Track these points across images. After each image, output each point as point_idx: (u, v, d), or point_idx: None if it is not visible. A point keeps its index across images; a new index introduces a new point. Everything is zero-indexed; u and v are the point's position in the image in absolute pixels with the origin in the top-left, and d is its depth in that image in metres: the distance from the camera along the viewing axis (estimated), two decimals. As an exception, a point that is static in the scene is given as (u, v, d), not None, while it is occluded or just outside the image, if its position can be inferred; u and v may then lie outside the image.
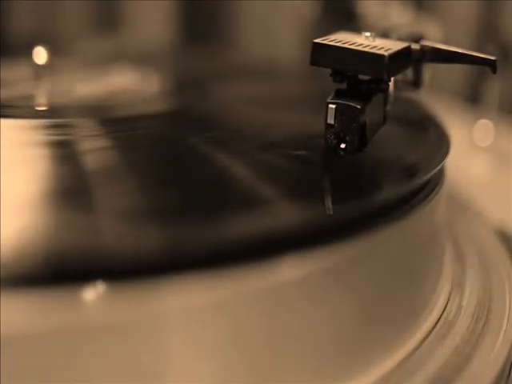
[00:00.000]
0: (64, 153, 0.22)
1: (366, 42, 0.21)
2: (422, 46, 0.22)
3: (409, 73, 0.24)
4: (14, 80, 0.31)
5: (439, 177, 0.23)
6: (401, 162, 0.22)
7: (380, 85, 0.22)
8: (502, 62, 0.40)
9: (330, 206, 0.19)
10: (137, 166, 0.21)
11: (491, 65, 0.22)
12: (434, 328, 0.21)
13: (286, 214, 0.18)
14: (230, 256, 0.16)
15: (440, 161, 0.22)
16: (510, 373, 0.20)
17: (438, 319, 0.21)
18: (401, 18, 0.31)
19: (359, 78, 0.22)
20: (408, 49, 0.22)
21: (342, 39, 0.21)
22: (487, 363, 0.19)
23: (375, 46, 0.21)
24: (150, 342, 0.15)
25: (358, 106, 0.21)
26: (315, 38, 0.21)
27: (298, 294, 0.17)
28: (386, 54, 0.21)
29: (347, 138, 0.21)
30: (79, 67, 0.34)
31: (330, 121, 0.21)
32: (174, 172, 0.21)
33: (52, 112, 0.28)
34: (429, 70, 0.25)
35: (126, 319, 0.15)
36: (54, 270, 0.15)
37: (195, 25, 0.62)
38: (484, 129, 0.42)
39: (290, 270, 0.17)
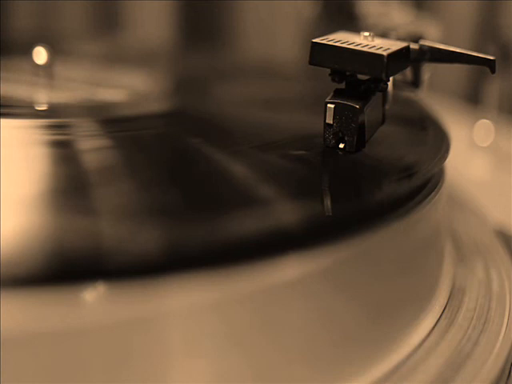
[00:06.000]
0: (64, 153, 0.22)
1: (365, 42, 0.21)
2: (421, 46, 0.22)
3: (408, 73, 0.24)
4: (14, 80, 0.31)
5: (439, 177, 0.23)
6: (401, 162, 0.22)
7: (379, 84, 0.22)
8: (502, 61, 0.40)
9: (330, 205, 0.19)
10: (137, 165, 0.21)
11: (490, 65, 0.22)
12: (434, 328, 0.21)
13: (285, 214, 0.18)
14: (230, 256, 0.16)
15: (440, 161, 0.22)
16: (510, 373, 0.20)
17: (438, 319, 0.21)
18: (401, 17, 0.31)
19: (358, 77, 0.22)
20: (407, 48, 0.22)
21: (341, 39, 0.22)
22: (487, 363, 0.19)
23: (374, 46, 0.21)
24: (150, 341, 0.15)
25: (357, 106, 0.21)
26: (314, 38, 0.21)
27: (298, 293, 0.17)
28: (384, 53, 0.21)
29: (346, 138, 0.21)
30: (79, 67, 0.34)
31: (329, 120, 0.21)
32: (173, 172, 0.21)
33: (52, 112, 0.28)
34: (429, 70, 0.25)
35: (127, 319, 0.15)
36: (54, 270, 0.15)
37: (195, 25, 0.62)
38: (484, 129, 0.42)
39: (290, 269, 0.17)
